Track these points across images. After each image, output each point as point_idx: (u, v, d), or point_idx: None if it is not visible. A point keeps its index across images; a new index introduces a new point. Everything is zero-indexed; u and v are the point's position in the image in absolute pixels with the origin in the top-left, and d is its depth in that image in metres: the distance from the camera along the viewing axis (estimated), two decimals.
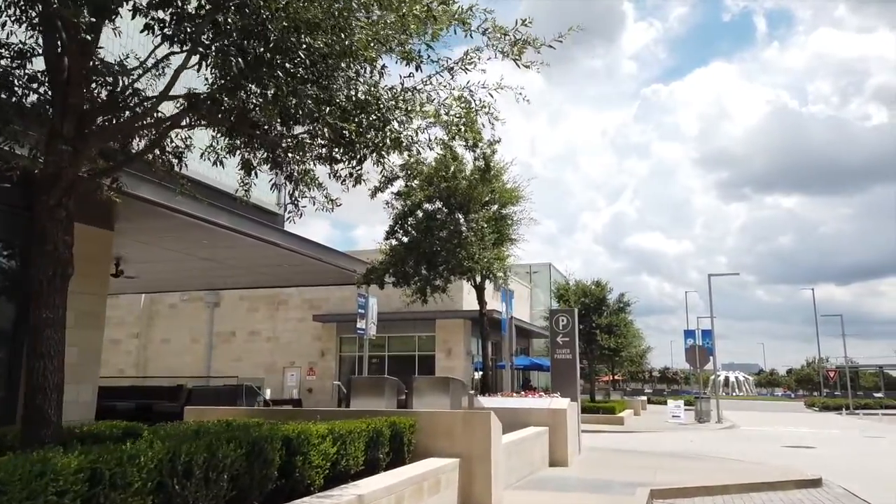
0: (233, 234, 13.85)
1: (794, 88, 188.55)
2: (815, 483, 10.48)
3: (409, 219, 14.28)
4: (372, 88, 5.23)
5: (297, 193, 6.41)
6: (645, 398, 44.11)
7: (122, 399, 15.67)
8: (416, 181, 14.16)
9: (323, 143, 5.44)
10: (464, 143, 13.76)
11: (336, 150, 5.45)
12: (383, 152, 5.51)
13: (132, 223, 12.67)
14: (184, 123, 5.37)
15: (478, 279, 14.54)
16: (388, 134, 5.34)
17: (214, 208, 12.33)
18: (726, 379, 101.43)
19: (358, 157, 5.49)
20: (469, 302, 32.21)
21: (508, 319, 17.72)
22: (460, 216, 13.68)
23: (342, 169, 5.79)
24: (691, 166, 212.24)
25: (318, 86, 4.79)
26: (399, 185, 14.65)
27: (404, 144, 5.53)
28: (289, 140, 5.61)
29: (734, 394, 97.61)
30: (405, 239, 14.52)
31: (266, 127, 5.38)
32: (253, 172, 6.26)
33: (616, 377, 71.91)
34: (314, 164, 6.15)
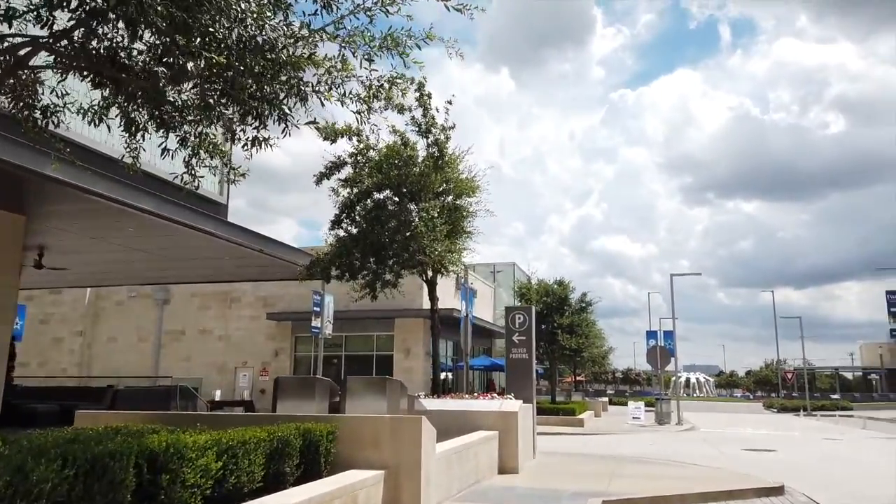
0: (164, 223, 12.78)
1: (756, 96, 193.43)
2: (777, 491, 9.90)
3: (357, 207, 13.35)
4: (265, 24, 4.29)
5: (195, 161, 5.47)
6: (606, 399, 43.85)
7: (45, 400, 14.46)
8: (365, 168, 13.25)
9: (211, 93, 4.50)
10: (391, 106, 12.91)
11: (225, 101, 4.51)
12: (284, 106, 4.57)
13: (46, 206, 11.53)
14: (36, 63, 4.40)
15: (429, 273, 13.68)
16: (285, 80, 4.40)
17: (136, 191, 11.26)
18: (687, 380, 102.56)
19: (252, 111, 4.55)
20: (427, 301, 31.38)
21: (464, 318, 16.93)
22: (412, 206, 12.81)
23: (237, 126, 4.85)
24: (656, 171, 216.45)
25: (191, 16, 3.86)
26: (348, 172, 13.75)
27: (303, 93, 4.56)
28: (173, 91, 4.67)
29: (695, 395, 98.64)
30: (353, 230, 13.59)
31: (144, 75, 4.46)
32: (142, 136, 5.29)
33: (579, 378, 71.87)
34: (213, 127, 5.22)
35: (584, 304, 31.28)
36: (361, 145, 13.49)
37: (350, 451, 6.21)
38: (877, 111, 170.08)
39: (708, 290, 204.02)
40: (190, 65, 3.92)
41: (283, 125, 4.64)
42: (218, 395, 29.09)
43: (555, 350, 30.22)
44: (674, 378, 39.94)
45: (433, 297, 13.96)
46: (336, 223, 13.42)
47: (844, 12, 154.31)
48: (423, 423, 6.28)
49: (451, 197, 14.06)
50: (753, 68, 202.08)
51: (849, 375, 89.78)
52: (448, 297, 30.37)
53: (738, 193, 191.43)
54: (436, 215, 12.30)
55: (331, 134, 13.38)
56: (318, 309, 26.59)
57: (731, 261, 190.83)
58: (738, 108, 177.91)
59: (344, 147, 13.72)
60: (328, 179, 13.56)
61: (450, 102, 13.11)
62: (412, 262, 13.10)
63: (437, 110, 13.14)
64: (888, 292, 26.68)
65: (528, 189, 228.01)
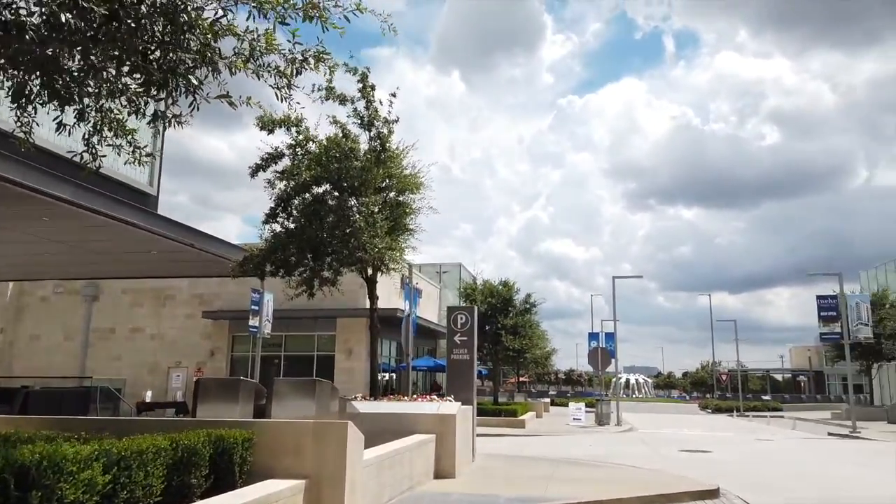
0: (82, 213, 11.95)
1: (697, 106, 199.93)
2: (713, 494, 9.88)
3: (295, 201, 12.78)
4: None
5: (96, 139, 4.91)
6: (548, 400, 44.15)
7: None
8: (303, 160, 12.69)
9: (100, 56, 3.96)
10: (332, 97, 12.42)
11: (120, 67, 3.99)
12: (191, 77, 4.08)
13: None
14: None
15: (369, 271, 13.23)
16: (196, 49, 3.92)
17: (49, 176, 10.45)
18: (627, 381, 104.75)
19: (155, 81, 4.04)
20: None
21: (406, 317, 16.54)
22: (353, 201, 12.31)
23: (141, 98, 4.33)
24: (602, 176, 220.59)
25: None
26: (285, 164, 13.16)
27: (214, 63, 4.08)
28: (68, 58, 4.12)
29: (634, 395, 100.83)
30: (290, 225, 13.01)
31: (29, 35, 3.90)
32: (33, 107, 4.70)
33: (522, 379, 72.40)
34: (116, 101, 4.67)
35: (528, 306, 31.31)
36: (301, 136, 12.94)
37: (269, 460, 5.74)
38: (808, 125, 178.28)
39: (648, 293, 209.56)
40: (64, 17, 3.38)
41: (190, 98, 4.15)
42: (149, 397, 27.81)
43: (498, 351, 30.13)
44: (614, 379, 40.52)
45: (373, 296, 13.52)
46: (271, 217, 12.82)
47: (781, 29, 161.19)
48: (349, 428, 5.86)
49: (393, 193, 13.66)
50: (695, 79, 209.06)
51: (779, 377, 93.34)
52: (392, 296, 29.91)
53: (678, 200, 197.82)
54: (376, 211, 11.87)
55: (268, 124, 12.80)
56: (256, 307, 25.69)
57: (670, 265, 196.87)
58: (681, 118, 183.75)
59: (283, 138, 13.16)
60: (264, 171, 12.95)
61: (394, 95, 12.70)
62: (351, 259, 12.62)
63: (381, 103, 12.72)
64: (818, 297, 27.62)
65: (477, 191, 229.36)
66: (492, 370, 34.95)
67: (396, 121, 12.76)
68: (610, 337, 37.38)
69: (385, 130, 12.63)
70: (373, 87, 12.55)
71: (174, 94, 4.26)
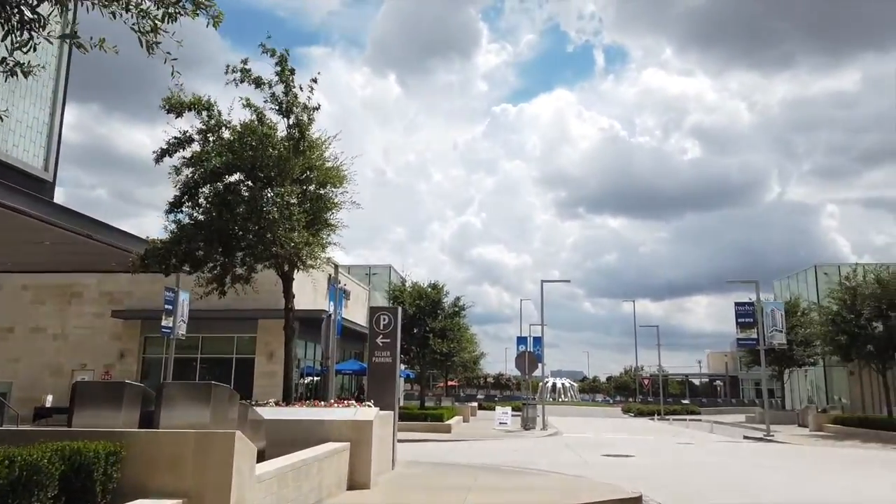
0: None
1: (624, 119, 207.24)
2: (636, 501, 9.62)
3: (204, 190, 11.80)
4: None
5: None
6: (476, 404, 43.92)
7: None
8: (214, 146, 11.74)
9: None
10: (248, 79, 11.58)
11: None
12: (24, 7, 3.30)
13: None
14: None
15: (286, 267, 12.39)
16: None
17: None
18: (554, 385, 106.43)
19: None
20: (298, 301, 29.64)
21: (328, 317, 15.74)
22: (269, 192, 11.44)
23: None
24: (533, 184, 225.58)
25: None
26: (194, 150, 12.16)
27: None
28: None
29: (560, 399, 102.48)
30: (201, 216, 12.02)
31: None
32: None
33: (451, 383, 72.21)
34: None
35: (457, 309, 30.91)
36: (212, 121, 11.99)
37: (142, 477, 4.95)
38: (727, 141, 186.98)
39: (576, 299, 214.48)
40: None
41: (28, 35, 3.37)
42: (49, 401, 25.79)
43: (426, 354, 29.59)
44: (541, 383, 40.76)
45: (288, 294, 12.69)
46: (175, 206, 11.79)
47: (703, 49, 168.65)
48: (236, 439, 5.14)
49: (314, 186, 12.88)
50: (623, 93, 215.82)
51: (696, 381, 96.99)
52: (319, 297, 28.91)
53: (606, 209, 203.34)
54: (293, 202, 11.06)
55: (176, 106, 11.80)
56: (170, 307, 24.26)
57: (597, 272, 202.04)
58: (609, 130, 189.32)
59: (194, 123, 12.16)
60: (170, 157, 11.91)
61: (314, 81, 11.96)
62: (266, 254, 11.77)
63: (301, 88, 11.95)
64: (736, 304, 28.50)
65: (411, 195, 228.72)
66: (419, 374, 34.36)
67: (317, 108, 12.04)
68: (538, 341, 37.51)
69: (305, 117, 11.88)
70: (292, 71, 11.78)
71: (14, 31, 3.46)
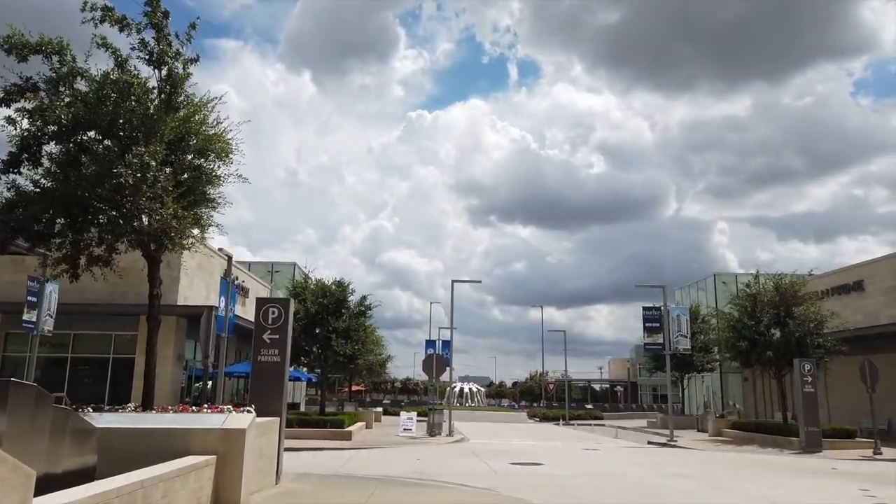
0: None
1: (535, 132, 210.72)
2: None
3: (49, 147, 9.72)
4: None
5: None
6: (381, 409, 42.26)
7: None
8: (64, 97, 9.69)
9: None
10: (109, 19, 9.76)
11: None
12: None
13: None
14: None
15: (152, 247, 10.47)
16: None
17: None
18: (461, 390, 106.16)
19: None
20: (187, 296, 27.03)
21: (208, 309, 13.82)
22: (131, 156, 9.50)
23: None
24: (446, 191, 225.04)
25: None
26: (40, 99, 10.04)
27: None
28: None
29: (468, 404, 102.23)
30: (48, 181, 9.90)
31: None
32: None
33: (358, 387, 69.98)
34: None
35: (363, 308, 29.19)
36: (64, 68, 9.93)
37: None
38: (630, 157, 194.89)
39: (485, 306, 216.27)
40: None
41: None
42: None
43: (328, 356, 27.70)
44: (449, 388, 39.70)
45: (154, 278, 10.76)
46: (11, 166, 9.64)
47: (611, 67, 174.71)
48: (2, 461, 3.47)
49: (191, 155, 11.03)
50: (535, 106, 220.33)
51: (597, 387, 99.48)
52: (213, 293, 26.53)
53: (516, 218, 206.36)
54: (152, 164, 9.18)
55: (18, 47, 9.68)
56: (33, 299, 21.21)
57: (506, 280, 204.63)
58: (521, 141, 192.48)
59: (41, 69, 10.04)
60: (8, 107, 9.75)
61: (193, 27, 10.16)
62: (126, 229, 9.83)
63: (177, 36, 10.12)
64: (644, 308, 28.48)
65: (323, 197, 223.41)
66: (321, 377, 32.29)
67: (196, 60, 10.24)
68: (447, 345, 36.42)
69: (180, 68, 10.05)
70: (166, 14, 9.92)
71: None
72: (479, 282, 35.89)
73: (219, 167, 11.24)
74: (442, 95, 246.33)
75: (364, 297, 29.39)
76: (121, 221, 9.69)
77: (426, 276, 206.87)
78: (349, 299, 28.69)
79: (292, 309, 12.36)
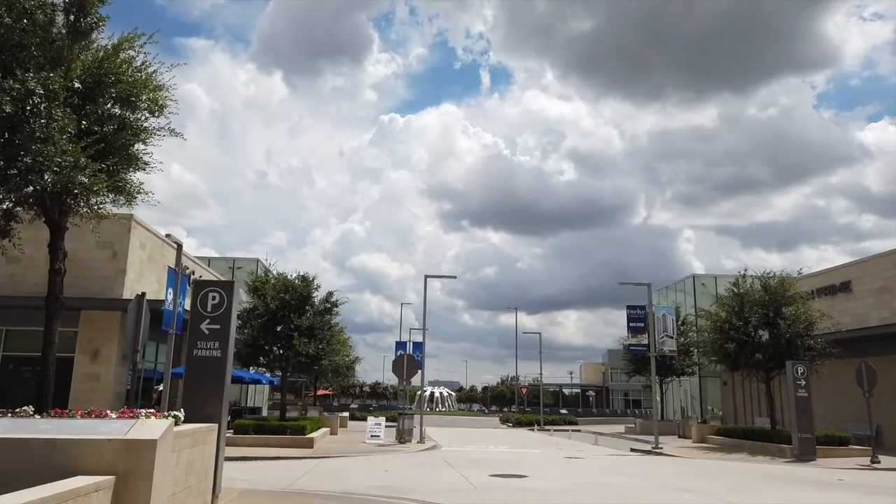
0: None
1: (507, 138, 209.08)
2: None
3: None
4: None
5: None
6: (347, 414, 40.10)
7: None
8: None
9: None
10: None
11: None
12: None
13: None
14: None
15: (55, 212, 8.40)
16: None
17: None
18: (432, 394, 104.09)
19: None
20: (136, 289, 24.64)
21: (137, 297, 11.72)
22: (13, 81, 7.46)
23: None
24: (418, 195, 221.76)
25: None
26: None
27: None
28: None
29: (438, 409, 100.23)
30: None
31: None
32: None
33: (325, 391, 67.38)
34: None
35: (328, 305, 27.07)
36: None
37: None
38: (600, 165, 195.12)
39: (456, 311, 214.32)
40: None
41: None
42: None
43: (290, 356, 25.55)
44: (419, 392, 37.79)
45: (57, 250, 8.69)
46: None
47: (582, 75, 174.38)
48: None
49: (110, 103, 8.99)
50: (507, 112, 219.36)
51: (568, 392, 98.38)
52: (159, 285, 24.22)
53: (488, 224, 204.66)
54: (39, 91, 7.13)
55: None
56: None
57: (477, 285, 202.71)
58: (493, 147, 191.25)
59: None
60: None
61: None
62: (22, 184, 7.76)
63: None
64: (629, 307, 26.96)
65: (293, 200, 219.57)
66: (282, 379, 30.02)
67: None
68: (418, 347, 34.47)
69: None
70: None
71: None
72: (454, 277, 34.52)
73: (146, 119, 9.22)
74: (415, 100, 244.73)
75: (330, 294, 27.30)
76: (12, 173, 7.62)
77: (397, 281, 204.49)
78: (314, 296, 26.60)
79: (236, 294, 10.36)
